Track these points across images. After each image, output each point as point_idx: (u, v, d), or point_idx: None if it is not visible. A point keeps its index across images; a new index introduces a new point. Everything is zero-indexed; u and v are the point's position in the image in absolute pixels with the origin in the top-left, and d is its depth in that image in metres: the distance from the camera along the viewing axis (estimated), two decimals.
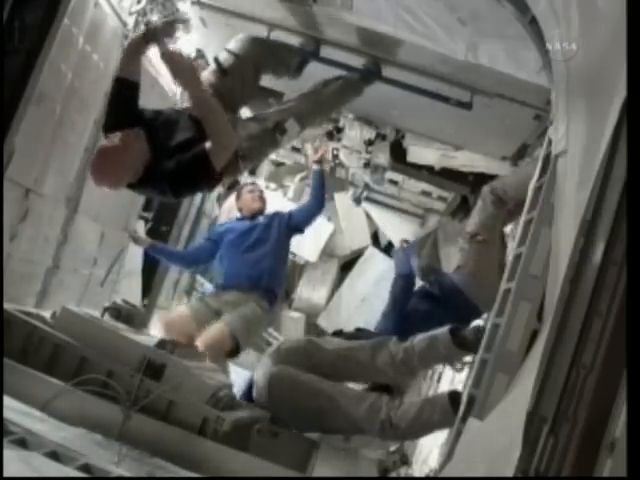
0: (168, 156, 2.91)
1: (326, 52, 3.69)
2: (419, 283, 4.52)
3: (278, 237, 4.48)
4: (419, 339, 3.52)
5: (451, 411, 3.09)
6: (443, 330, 3.45)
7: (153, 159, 2.91)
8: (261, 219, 4.66)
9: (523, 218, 2.83)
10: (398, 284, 4.22)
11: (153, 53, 3.02)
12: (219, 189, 6.69)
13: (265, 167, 6.90)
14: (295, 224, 4.56)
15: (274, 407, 3.47)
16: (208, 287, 7.38)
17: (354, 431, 3.42)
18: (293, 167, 6.73)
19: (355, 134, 4.85)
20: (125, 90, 2.97)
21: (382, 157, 4.98)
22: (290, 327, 7.37)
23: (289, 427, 3.44)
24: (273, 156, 6.28)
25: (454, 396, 3.17)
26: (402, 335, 3.67)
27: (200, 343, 4.03)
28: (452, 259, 6.54)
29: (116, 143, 2.84)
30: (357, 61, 3.70)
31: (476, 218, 3.78)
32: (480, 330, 3.30)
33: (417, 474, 4.56)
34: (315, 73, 3.69)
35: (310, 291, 7.42)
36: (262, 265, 4.36)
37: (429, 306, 4.05)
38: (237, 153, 3.12)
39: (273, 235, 4.48)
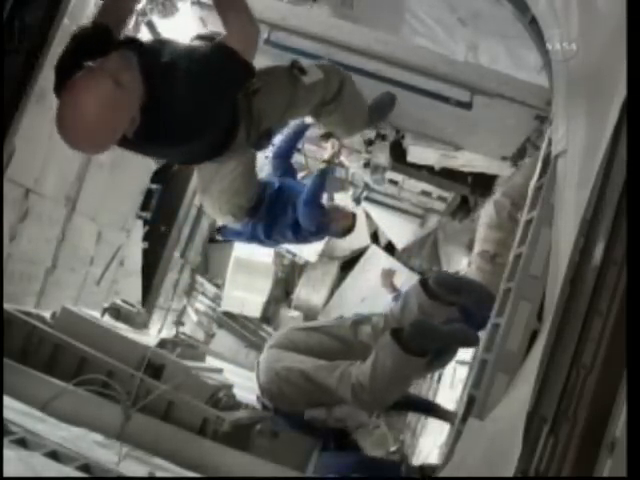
0: (168, 75, 2.05)
1: (327, 52, 3.69)
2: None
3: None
4: (395, 303, 3.56)
5: (398, 349, 3.10)
6: (414, 285, 3.49)
7: (148, 93, 2.02)
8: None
9: (523, 218, 2.83)
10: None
11: None
12: None
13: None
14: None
15: (265, 394, 3.51)
16: (208, 287, 7.42)
17: (334, 402, 3.43)
18: None
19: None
20: (99, 41, 2.11)
21: (382, 157, 4.97)
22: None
23: (289, 416, 3.45)
24: None
25: (396, 332, 3.18)
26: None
27: None
28: (452, 259, 6.55)
29: (100, 78, 1.89)
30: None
31: (493, 236, 3.72)
32: (442, 277, 3.32)
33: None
34: None
35: (310, 292, 7.42)
36: None
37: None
38: (248, 89, 2.48)
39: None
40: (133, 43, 2.18)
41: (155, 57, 2.11)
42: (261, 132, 2.55)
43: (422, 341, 3.13)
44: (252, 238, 4.13)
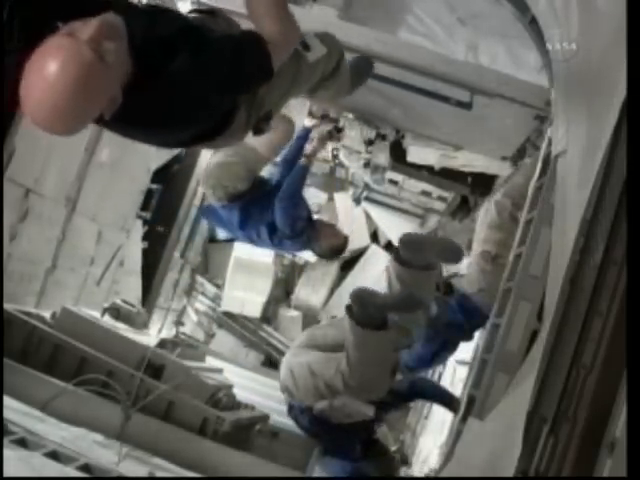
0: (167, 53, 1.71)
1: None
2: None
3: None
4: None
5: (354, 325, 3.15)
6: (389, 258, 3.54)
7: (136, 70, 1.67)
8: None
9: (523, 218, 2.83)
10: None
11: None
12: None
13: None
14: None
15: (284, 392, 3.51)
16: (208, 287, 7.42)
17: (335, 394, 3.44)
18: None
19: (355, 134, 4.85)
20: None
21: (382, 157, 4.96)
22: (288, 326, 7.41)
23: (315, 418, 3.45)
24: None
25: (348, 307, 3.21)
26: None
27: None
28: None
29: (78, 47, 1.50)
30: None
31: (494, 236, 3.71)
32: (406, 238, 3.36)
33: (417, 474, 4.57)
34: None
35: (309, 292, 7.43)
36: None
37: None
38: None
39: None
40: (122, 5, 1.77)
41: (151, 27, 1.75)
42: (262, 115, 2.26)
43: (366, 310, 3.12)
44: (227, 223, 4.01)
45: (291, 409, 3.56)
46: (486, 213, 3.82)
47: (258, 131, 2.36)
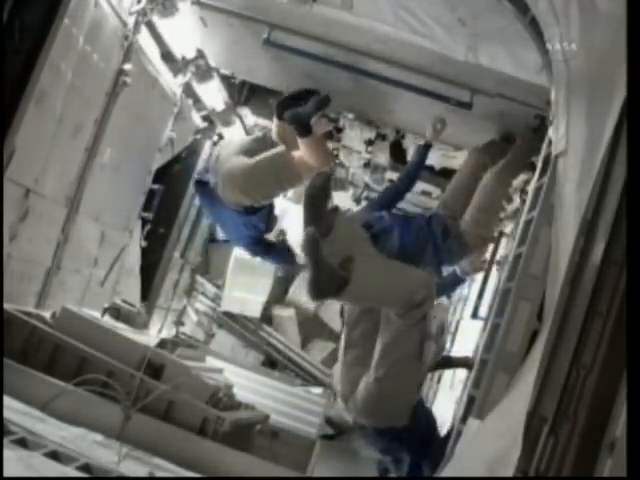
0: None
1: (327, 52, 3.69)
2: None
3: None
4: None
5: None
6: None
7: None
8: None
9: (523, 218, 2.83)
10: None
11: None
12: None
13: None
14: None
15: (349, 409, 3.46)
16: (208, 288, 7.41)
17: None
18: None
19: (355, 134, 4.85)
20: None
21: (382, 157, 4.98)
22: (285, 325, 7.43)
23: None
24: None
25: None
26: None
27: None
28: None
29: None
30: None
31: (482, 219, 3.75)
32: None
33: None
34: None
35: (303, 291, 7.47)
36: None
37: None
38: None
39: None
40: None
41: None
42: None
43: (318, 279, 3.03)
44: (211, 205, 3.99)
45: (378, 436, 3.43)
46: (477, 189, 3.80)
47: None
